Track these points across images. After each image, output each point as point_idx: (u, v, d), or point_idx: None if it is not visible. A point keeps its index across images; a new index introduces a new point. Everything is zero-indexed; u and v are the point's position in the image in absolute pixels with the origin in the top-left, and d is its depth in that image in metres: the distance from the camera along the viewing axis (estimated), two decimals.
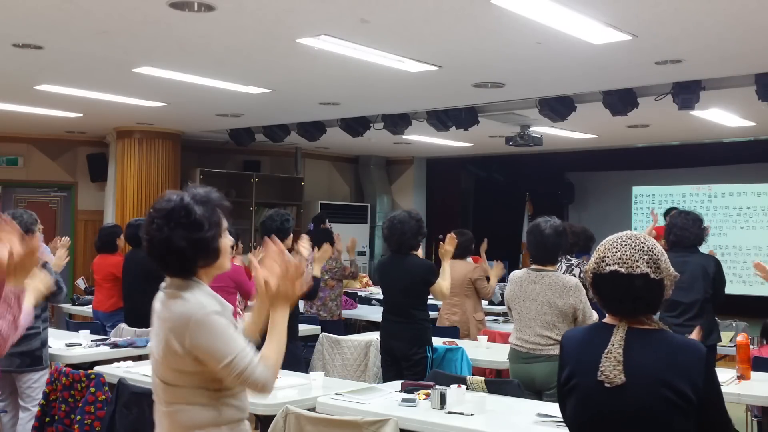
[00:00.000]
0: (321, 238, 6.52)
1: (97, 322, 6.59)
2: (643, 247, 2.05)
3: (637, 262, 2.03)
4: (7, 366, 4.55)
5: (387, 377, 4.83)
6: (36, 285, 2.74)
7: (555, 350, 4.00)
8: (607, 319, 2.10)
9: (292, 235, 4.99)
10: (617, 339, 2.00)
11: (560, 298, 4.22)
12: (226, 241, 2.33)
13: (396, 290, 4.98)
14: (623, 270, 2.02)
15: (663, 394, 1.96)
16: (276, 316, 2.30)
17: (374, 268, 5.13)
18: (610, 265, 2.04)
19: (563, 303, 4.21)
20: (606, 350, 1.99)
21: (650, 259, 2.04)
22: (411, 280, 4.91)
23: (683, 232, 5.16)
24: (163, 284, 2.34)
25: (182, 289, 2.26)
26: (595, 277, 2.08)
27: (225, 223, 2.33)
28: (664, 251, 2.11)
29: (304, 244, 4.40)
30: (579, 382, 2.02)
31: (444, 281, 4.90)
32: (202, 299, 2.23)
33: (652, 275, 2.03)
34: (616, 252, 2.06)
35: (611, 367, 1.97)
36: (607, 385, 1.97)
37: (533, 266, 4.40)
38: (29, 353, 4.61)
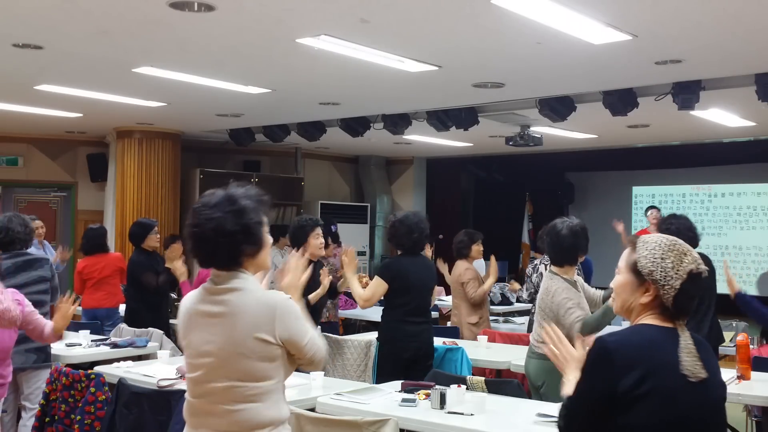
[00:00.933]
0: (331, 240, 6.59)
1: (96, 322, 6.59)
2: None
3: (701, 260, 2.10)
4: (23, 363, 4.56)
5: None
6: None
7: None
8: (654, 321, 2.06)
9: (317, 241, 5.06)
10: (687, 336, 2.03)
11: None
12: (268, 236, 2.44)
13: (424, 290, 4.93)
14: (705, 269, 2.08)
15: (722, 388, 2.10)
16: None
17: (385, 269, 4.98)
18: (701, 265, 2.07)
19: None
20: (681, 347, 2.00)
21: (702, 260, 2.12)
22: (432, 277, 5.04)
23: (677, 237, 5.13)
24: (207, 282, 2.40)
25: (238, 282, 2.35)
26: (692, 277, 2.04)
27: (266, 219, 2.44)
28: None
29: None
30: (659, 384, 1.96)
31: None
32: (265, 291, 2.39)
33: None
34: (693, 254, 2.09)
35: (692, 362, 1.98)
36: (692, 379, 1.97)
37: (552, 267, 4.32)
38: (43, 349, 4.62)
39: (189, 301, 2.45)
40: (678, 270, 2.03)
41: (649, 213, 9.16)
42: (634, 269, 2.08)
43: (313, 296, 4.83)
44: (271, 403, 2.33)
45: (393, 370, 4.68)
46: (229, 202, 2.34)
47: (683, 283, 2.03)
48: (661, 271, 2.03)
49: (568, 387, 2.11)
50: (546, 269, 5.19)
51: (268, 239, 2.43)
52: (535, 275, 6.09)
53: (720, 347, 5.60)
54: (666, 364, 1.99)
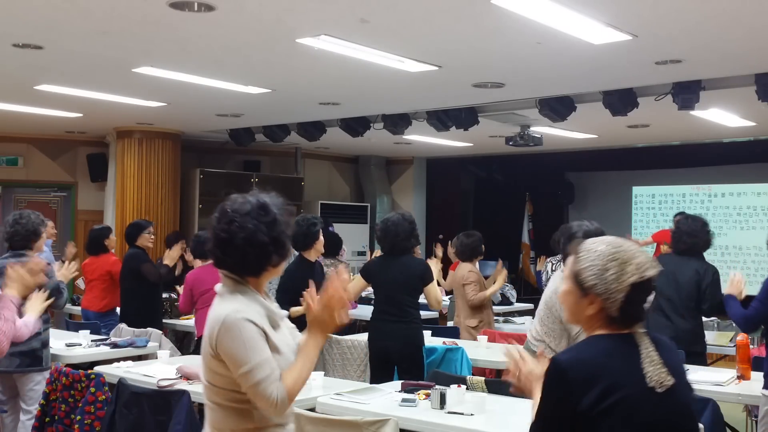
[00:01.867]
0: (331, 242, 6.59)
1: (95, 322, 6.60)
2: (638, 248, 1.99)
3: (650, 263, 1.96)
4: (6, 366, 4.55)
5: (377, 381, 4.79)
6: (36, 304, 2.94)
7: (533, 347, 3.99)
8: (608, 331, 1.95)
9: (321, 239, 5.07)
10: (647, 343, 1.93)
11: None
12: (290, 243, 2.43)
13: (391, 286, 4.97)
14: (653, 274, 1.95)
15: (690, 389, 2.01)
16: (309, 340, 2.35)
17: (364, 266, 5.08)
18: (646, 271, 1.93)
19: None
20: (642, 357, 1.90)
21: (648, 257, 1.98)
22: (407, 274, 4.95)
23: (693, 239, 5.10)
24: (217, 286, 2.39)
25: (229, 292, 2.32)
26: (636, 287, 1.92)
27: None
28: None
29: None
30: (623, 396, 1.85)
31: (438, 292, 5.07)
32: (239, 305, 2.27)
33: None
34: (639, 257, 1.94)
35: (657, 371, 1.89)
36: (659, 390, 1.88)
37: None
38: (29, 353, 4.59)
39: None
40: (621, 281, 1.90)
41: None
42: (577, 281, 1.97)
43: (293, 311, 4.52)
44: (235, 413, 2.29)
45: (374, 368, 4.80)
46: (263, 212, 2.32)
47: (627, 294, 1.91)
48: (603, 284, 1.92)
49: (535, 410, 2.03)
50: (555, 269, 5.22)
51: (291, 250, 2.46)
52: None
53: (720, 347, 5.60)
54: (628, 376, 1.88)
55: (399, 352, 4.84)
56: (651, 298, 1.97)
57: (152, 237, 6.66)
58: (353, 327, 7.95)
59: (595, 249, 1.95)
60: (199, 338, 5.86)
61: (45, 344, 4.70)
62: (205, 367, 2.33)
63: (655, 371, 1.89)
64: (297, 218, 5.13)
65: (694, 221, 5.14)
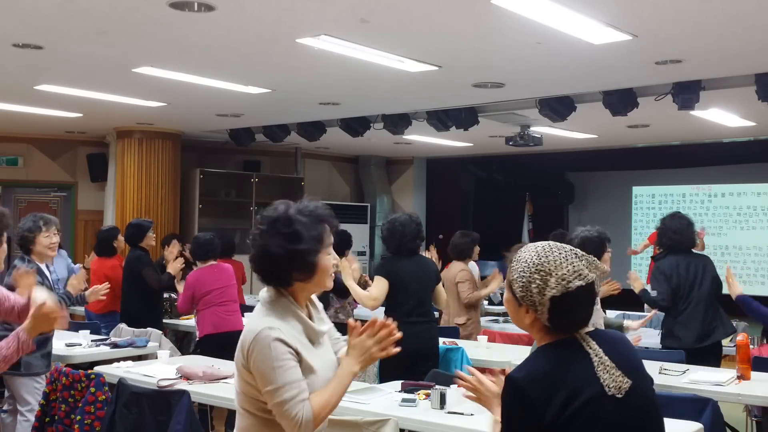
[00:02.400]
0: (339, 241, 6.54)
1: (95, 321, 6.61)
2: (576, 252, 1.92)
3: (585, 269, 1.89)
4: None
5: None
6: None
7: None
8: (554, 338, 1.91)
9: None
10: (595, 348, 1.87)
11: None
12: (328, 258, 2.30)
13: (421, 290, 4.92)
14: (583, 282, 1.87)
15: (649, 382, 1.95)
16: (345, 366, 2.29)
17: (381, 268, 4.98)
18: (571, 281, 1.86)
19: None
20: (595, 364, 1.84)
21: (587, 262, 1.91)
22: (429, 274, 4.98)
23: (677, 236, 5.24)
24: (262, 292, 2.35)
25: (269, 303, 2.28)
26: (563, 298, 1.86)
27: (329, 240, 2.32)
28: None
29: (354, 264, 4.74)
30: (583, 402, 1.82)
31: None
32: (274, 320, 2.21)
33: (595, 277, 1.91)
34: (568, 266, 1.87)
35: (613, 377, 1.84)
36: (618, 396, 1.83)
37: None
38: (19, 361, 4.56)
39: None
40: (543, 295, 1.86)
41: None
42: (511, 290, 1.94)
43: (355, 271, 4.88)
44: (263, 423, 2.25)
45: (395, 370, 4.65)
46: (285, 223, 2.25)
47: (550, 308, 1.86)
48: (528, 297, 1.89)
49: (497, 428, 1.97)
50: None
51: (325, 264, 2.28)
52: None
53: (720, 347, 5.61)
54: (584, 382, 1.83)
55: (426, 354, 4.78)
56: (596, 299, 1.94)
57: (154, 236, 6.68)
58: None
59: (524, 259, 1.91)
60: (200, 338, 5.86)
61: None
62: (238, 375, 2.29)
63: (610, 378, 1.84)
64: None
65: (680, 219, 5.32)
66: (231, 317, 5.85)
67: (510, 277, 1.94)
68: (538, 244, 1.95)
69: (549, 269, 1.87)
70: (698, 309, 5.17)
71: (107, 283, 5.26)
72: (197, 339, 5.94)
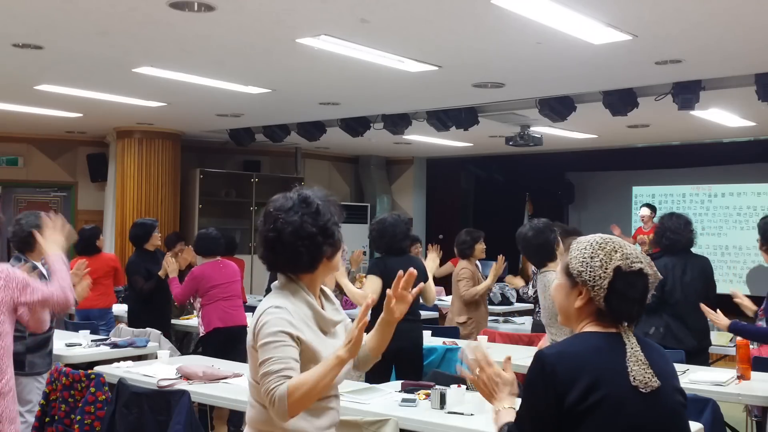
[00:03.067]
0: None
1: (92, 322, 6.60)
2: (636, 247, 2.00)
3: (646, 263, 1.91)
4: None
5: (376, 381, 4.78)
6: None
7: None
8: (596, 328, 1.91)
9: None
10: (633, 342, 1.87)
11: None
12: (341, 234, 2.40)
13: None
14: (648, 269, 1.90)
15: (678, 395, 1.94)
16: (333, 353, 2.20)
17: (374, 267, 5.00)
18: (636, 262, 1.88)
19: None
20: (628, 355, 1.84)
21: (646, 260, 1.92)
22: (419, 277, 4.91)
23: (676, 235, 5.17)
24: (274, 283, 2.38)
25: (280, 288, 2.32)
26: (619, 274, 1.87)
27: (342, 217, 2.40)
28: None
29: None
30: (607, 394, 1.80)
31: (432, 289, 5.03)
32: (283, 301, 2.25)
33: (651, 274, 1.93)
34: (632, 251, 1.90)
35: (642, 371, 1.83)
36: (642, 390, 1.82)
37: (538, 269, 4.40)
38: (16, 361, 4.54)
39: None
40: (606, 268, 1.87)
41: (640, 210, 9.36)
42: (567, 271, 1.94)
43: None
44: (270, 418, 2.24)
45: (378, 367, 4.72)
46: (305, 204, 2.29)
47: (611, 281, 1.87)
48: (590, 271, 1.88)
49: (504, 416, 1.93)
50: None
51: (342, 241, 2.39)
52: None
53: (720, 347, 5.61)
54: (613, 373, 1.83)
55: (405, 352, 4.81)
56: (647, 297, 1.92)
57: (159, 235, 6.68)
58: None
59: (587, 240, 1.95)
60: (206, 333, 5.85)
61: (30, 349, 4.48)
62: (250, 362, 2.31)
63: (639, 370, 1.83)
64: None
65: (678, 218, 5.21)
66: (236, 312, 5.86)
67: (566, 260, 1.95)
68: (597, 234, 1.98)
69: (614, 247, 1.90)
70: (688, 310, 5.11)
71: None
72: (201, 335, 5.92)
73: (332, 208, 2.34)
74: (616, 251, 1.89)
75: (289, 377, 2.13)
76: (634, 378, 1.82)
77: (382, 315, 2.33)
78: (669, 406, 1.89)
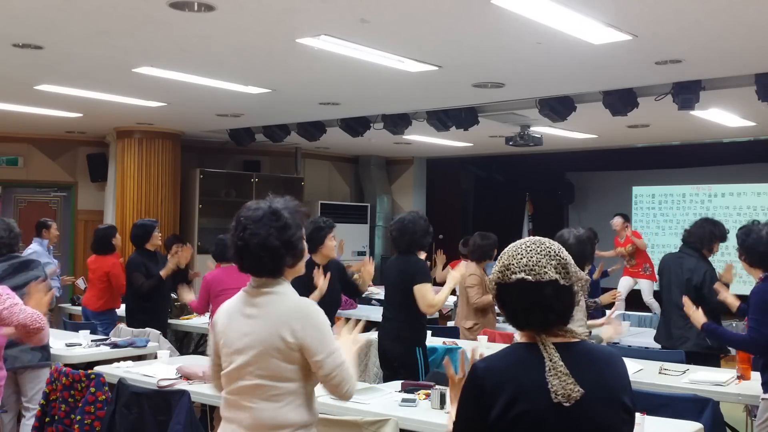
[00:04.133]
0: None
1: (92, 322, 6.61)
2: (549, 251, 1.88)
3: (545, 268, 1.84)
4: (29, 362, 4.57)
5: (385, 377, 4.85)
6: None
7: None
8: (521, 338, 1.90)
9: (329, 243, 4.86)
10: (553, 353, 1.80)
11: None
12: (305, 246, 2.57)
13: (390, 288, 4.99)
14: (530, 278, 1.83)
15: (615, 409, 1.85)
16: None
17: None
18: (516, 273, 1.85)
19: None
20: (547, 368, 1.78)
21: (558, 264, 1.86)
22: (401, 276, 4.83)
23: (684, 232, 5.21)
24: (247, 286, 2.54)
25: (273, 286, 2.49)
26: (500, 288, 1.88)
27: (303, 230, 2.58)
28: (570, 256, 1.91)
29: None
30: (527, 408, 1.76)
31: (436, 295, 4.79)
32: (299, 297, 2.50)
33: (561, 281, 1.85)
34: (521, 259, 1.86)
35: (563, 384, 1.76)
36: (566, 404, 1.76)
37: None
38: (43, 347, 4.58)
39: (230, 303, 2.59)
40: (492, 281, 1.91)
41: (613, 219, 9.38)
42: None
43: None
44: (293, 407, 2.42)
45: (383, 367, 4.83)
46: (274, 218, 2.46)
47: (496, 296, 1.91)
48: (490, 282, 1.95)
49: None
50: None
51: (305, 250, 2.57)
52: None
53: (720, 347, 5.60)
54: (533, 387, 1.78)
55: (394, 352, 4.84)
56: (560, 302, 1.86)
57: (160, 235, 6.69)
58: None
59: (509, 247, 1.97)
60: (202, 336, 5.84)
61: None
62: (270, 363, 2.42)
63: (560, 384, 1.77)
64: (309, 220, 5.07)
65: (704, 222, 5.23)
66: None
67: None
68: (530, 237, 1.98)
69: (503, 258, 1.91)
70: (672, 310, 5.11)
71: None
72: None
73: (299, 221, 2.53)
74: (500, 261, 1.91)
75: (347, 366, 2.48)
76: (555, 394, 1.76)
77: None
78: (592, 420, 1.80)
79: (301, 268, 2.59)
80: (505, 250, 1.92)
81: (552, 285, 1.84)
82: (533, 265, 1.85)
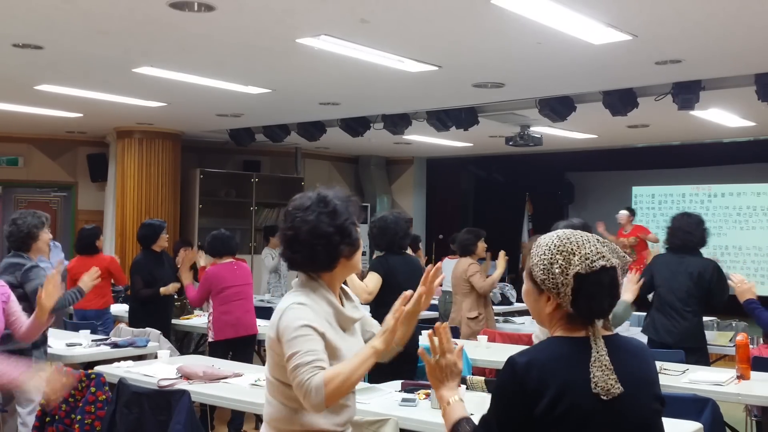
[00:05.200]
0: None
1: (92, 322, 6.59)
2: (597, 238, 1.85)
3: (606, 254, 1.82)
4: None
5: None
6: None
7: None
8: (565, 333, 1.85)
9: None
10: (600, 346, 1.78)
11: None
12: (358, 233, 2.38)
13: (410, 286, 4.97)
14: (607, 263, 1.80)
15: (652, 402, 1.85)
16: (369, 343, 2.28)
17: (378, 265, 4.98)
18: (595, 261, 1.79)
19: None
20: (592, 360, 1.76)
21: (609, 248, 1.84)
22: (418, 275, 4.91)
23: (688, 236, 5.18)
24: (294, 281, 2.41)
25: (301, 286, 2.34)
26: (583, 278, 1.79)
27: (361, 216, 2.42)
28: None
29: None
30: (572, 404, 1.74)
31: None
32: (304, 298, 2.29)
33: (617, 266, 1.83)
34: (591, 247, 1.81)
35: (605, 377, 1.75)
36: (603, 397, 1.74)
37: None
38: (43, 347, 4.56)
39: None
40: (567, 275, 1.79)
41: (619, 213, 9.43)
42: (531, 278, 1.87)
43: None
44: (287, 411, 2.29)
45: (379, 368, 4.74)
46: (323, 204, 2.32)
47: (574, 288, 1.79)
48: (551, 279, 1.81)
49: (457, 409, 1.95)
50: None
51: (361, 240, 2.40)
52: None
53: (720, 347, 5.60)
54: (578, 381, 1.75)
55: (408, 352, 4.80)
56: (620, 285, 1.85)
57: (167, 236, 6.68)
58: None
59: (545, 243, 1.86)
60: (210, 342, 5.81)
61: (35, 345, 4.48)
62: (269, 358, 2.34)
63: (602, 376, 1.75)
64: None
65: (689, 217, 5.24)
66: (248, 319, 5.76)
67: (529, 265, 1.88)
68: (557, 231, 1.89)
69: (572, 249, 1.81)
70: (674, 308, 5.12)
71: (97, 269, 5.16)
72: (211, 340, 5.85)
73: (351, 209, 2.37)
74: (574, 254, 1.80)
75: (323, 368, 2.16)
76: (595, 385, 1.75)
77: (409, 306, 2.37)
78: (636, 414, 1.81)
79: (358, 264, 2.42)
80: (559, 243, 1.82)
81: (614, 270, 1.83)
82: (603, 252, 1.81)
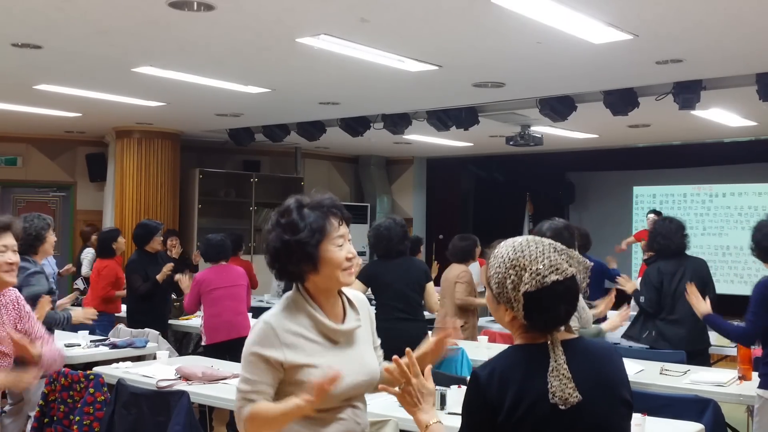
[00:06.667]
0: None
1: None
2: (554, 247, 1.84)
3: (563, 263, 1.80)
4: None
5: None
6: None
7: None
8: (526, 340, 1.85)
9: None
10: (558, 355, 1.77)
11: None
12: (336, 251, 2.18)
13: (404, 288, 5.14)
14: (560, 277, 1.78)
15: (616, 405, 1.85)
16: (294, 400, 2.12)
17: (361, 271, 5.05)
18: (547, 276, 1.77)
19: None
20: (550, 369, 1.75)
21: (567, 257, 1.83)
22: (416, 273, 5.16)
23: (666, 240, 5.18)
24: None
25: (284, 298, 2.27)
26: (534, 295, 1.78)
27: (340, 232, 2.20)
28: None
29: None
30: (529, 412, 1.75)
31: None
32: (279, 313, 2.22)
33: (576, 274, 1.83)
34: (543, 260, 1.79)
35: (562, 386, 1.74)
36: (561, 407, 1.73)
37: None
38: None
39: None
40: (517, 291, 1.79)
41: (648, 216, 9.39)
42: (489, 288, 1.87)
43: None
44: None
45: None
46: (284, 214, 2.20)
47: (525, 304, 1.78)
48: (505, 293, 1.81)
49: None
50: None
51: (333, 256, 2.17)
52: None
53: (720, 347, 5.59)
54: (535, 389, 1.76)
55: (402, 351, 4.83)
56: (580, 291, 1.84)
57: (161, 239, 6.65)
58: None
59: (500, 254, 1.85)
60: (207, 345, 5.81)
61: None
62: None
63: (559, 386, 1.74)
64: None
65: (670, 223, 5.23)
66: (240, 322, 5.75)
67: (487, 275, 1.87)
68: (516, 238, 1.88)
69: (524, 264, 1.79)
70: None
71: (94, 311, 5.18)
72: (205, 343, 5.86)
73: (325, 221, 2.18)
74: (525, 269, 1.79)
75: (253, 400, 2.15)
76: (553, 395, 1.74)
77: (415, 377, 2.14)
78: (593, 420, 1.79)
79: (337, 275, 2.22)
80: (514, 257, 1.81)
81: (572, 280, 1.81)
82: (557, 264, 1.79)
